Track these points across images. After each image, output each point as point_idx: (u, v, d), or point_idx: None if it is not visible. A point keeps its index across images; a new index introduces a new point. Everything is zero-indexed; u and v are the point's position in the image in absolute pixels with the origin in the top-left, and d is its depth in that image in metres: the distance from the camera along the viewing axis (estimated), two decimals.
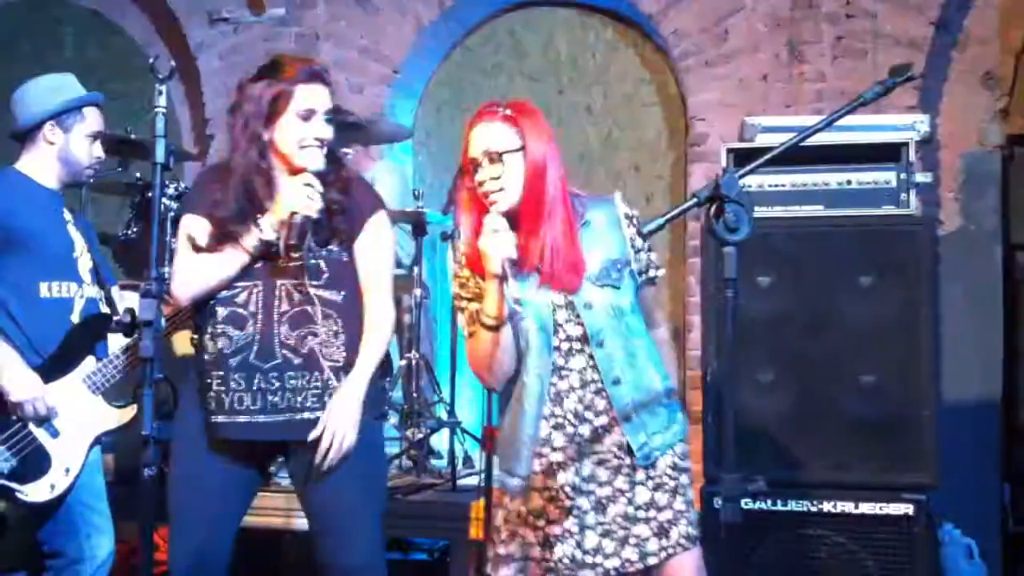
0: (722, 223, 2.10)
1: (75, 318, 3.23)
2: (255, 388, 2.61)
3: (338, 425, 2.60)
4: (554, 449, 2.51)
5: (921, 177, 3.60)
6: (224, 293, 2.65)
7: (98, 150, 3.34)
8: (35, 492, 3.07)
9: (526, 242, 2.47)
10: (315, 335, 2.64)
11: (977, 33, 4.80)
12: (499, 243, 2.37)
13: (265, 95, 2.62)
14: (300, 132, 2.63)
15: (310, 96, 2.64)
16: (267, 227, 2.61)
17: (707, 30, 5.04)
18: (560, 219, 2.48)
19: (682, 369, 4.72)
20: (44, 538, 3.20)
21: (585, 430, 2.50)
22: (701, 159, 5.00)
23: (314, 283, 2.65)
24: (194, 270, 2.64)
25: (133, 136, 4.24)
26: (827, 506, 3.40)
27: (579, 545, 2.46)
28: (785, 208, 3.63)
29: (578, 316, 2.50)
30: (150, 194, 4.15)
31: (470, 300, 2.55)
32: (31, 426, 3.09)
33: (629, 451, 2.49)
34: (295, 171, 2.65)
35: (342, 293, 2.68)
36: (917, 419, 3.39)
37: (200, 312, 2.70)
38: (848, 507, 3.39)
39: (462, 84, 5.73)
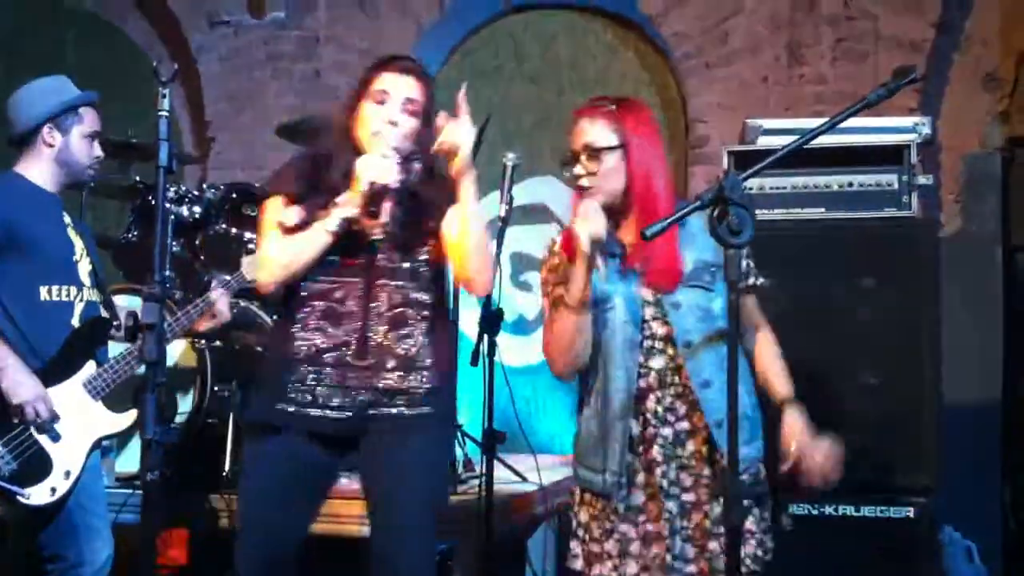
0: (725, 225, 2.08)
1: (75, 322, 3.23)
2: (347, 386, 2.60)
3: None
4: (648, 447, 2.48)
5: (922, 179, 3.59)
6: (321, 287, 2.62)
7: (97, 149, 3.33)
8: (36, 495, 3.06)
9: (629, 239, 2.46)
10: (410, 337, 2.62)
11: (978, 35, 4.80)
12: (590, 223, 2.35)
13: (356, 87, 2.69)
14: (372, 114, 2.64)
15: (388, 81, 2.66)
16: (345, 202, 2.57)
17: (707, 32, 5.04)
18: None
19: None
20: (44, 542, 3.18)
21: (667, 432, 2.47)
22: (702, 161, 5.00)
23: (412, 284, 2.63)
24: (277, 253, 2.62)
25: (134, 140, 4.24)
26: (828, 509, 3.40)
27: (669, 549, 2.44)
28: (787, 210, 3.62)
29: (665, 315, 2.47)
30: (151, 197, 4.19)
31: (556, 284, 2.52)
32: (32, 429, 3.08)
33: (707, 461, 2.46)
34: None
35: (433, 295, 2.67)
36: (918, 421, 3.39)
37: (287, 305, 2.67)
38: (849, 510, 3.39)
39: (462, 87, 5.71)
